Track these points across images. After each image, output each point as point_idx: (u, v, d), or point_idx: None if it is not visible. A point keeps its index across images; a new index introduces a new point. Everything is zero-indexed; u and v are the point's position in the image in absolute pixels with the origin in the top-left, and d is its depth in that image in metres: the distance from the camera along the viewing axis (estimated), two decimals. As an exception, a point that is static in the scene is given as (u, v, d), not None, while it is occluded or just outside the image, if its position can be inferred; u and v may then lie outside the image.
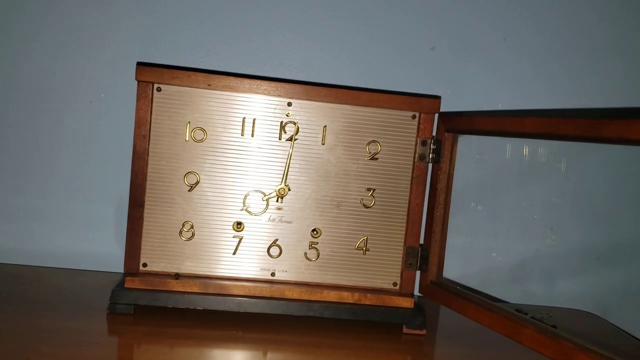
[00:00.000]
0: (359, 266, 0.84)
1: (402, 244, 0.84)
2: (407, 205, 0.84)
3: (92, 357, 0.66)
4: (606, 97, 1.05)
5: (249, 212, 0.82)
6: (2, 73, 0.95)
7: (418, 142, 0.83)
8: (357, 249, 0.84)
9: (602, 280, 1.05)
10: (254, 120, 0.81)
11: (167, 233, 0.81)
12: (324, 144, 0.82)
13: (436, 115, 0.84)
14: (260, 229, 0.82)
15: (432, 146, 0.84)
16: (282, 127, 0.81)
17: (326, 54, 1.00)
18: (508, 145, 0.98)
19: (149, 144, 0.79)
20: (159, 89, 0.79)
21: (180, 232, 0.81)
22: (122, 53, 0.96)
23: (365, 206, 0.83)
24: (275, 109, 0.81)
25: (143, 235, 0.80)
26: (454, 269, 0.93)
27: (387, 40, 1.00)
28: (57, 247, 0.98)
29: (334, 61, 1.00)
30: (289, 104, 0.81)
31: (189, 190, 0.81)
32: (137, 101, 0.79)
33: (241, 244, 0.82)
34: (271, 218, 0.82)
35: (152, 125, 0.79)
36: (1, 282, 0.87)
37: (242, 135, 0.81)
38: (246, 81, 0.80)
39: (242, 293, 0.79)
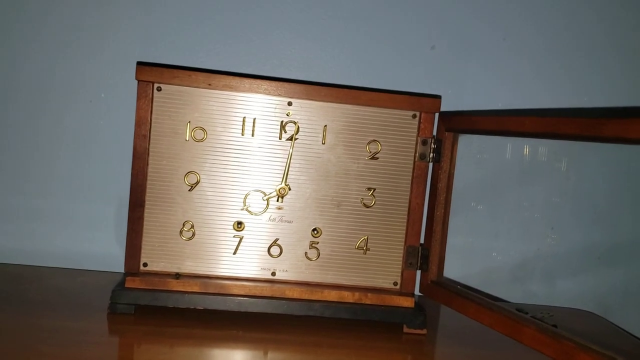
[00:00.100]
0: (359, 266, 0.84)
1: (403, 243, 0.84)
2: (407, 205, 0.84)
3: (92, 357, 0.66)
4: (606, 97, 1.05)
5: (249, 211, 0.82)
6: (2, 73, 0.95)
7: (418, 141, 0.83)
8: (357, 248, 0.84)
9: (603, 280, 1.05)
10: (255, 119, 0.81)
11: (167, 233, 0.81)
12: (324, 144, 0.82)
13: (436, 115, 0.84)
14: (261, 229, 0.82)
15: (432, 146, 0.84)
16: (283, 126, 0.81)
17: (326, 54, 1.00)
18: (508, 145, 0.98)
19: (149, 144, 0.79)
20: (159, 89, 0.79)
21: (181, 232, 0.81)
22: (122, 53, 0.96)
23: (365, 206, 0.83)
24: (275, 108, 0.81)
25: (143, 235, 0.80)
26: (454, 269, 0.93)
27: (387, 40, 1.00)
28: (57, 247, 0.97)
29: (334, 61, 1.00)
30: (290, 104, 0.81)
31: (189, 190, 0.81)
32: (137, 101, 0.79)
33: (241, 243, 0.82)
34: (271, 218, 0.82)
35: (152, 125, 0.79)
36: (1, 282, 0.87)
37: (242, 134, 0.81)
38: (247, 81, 0.80)
39: (242, 293, 0.79)
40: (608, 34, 1.04)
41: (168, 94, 0.79)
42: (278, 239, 0.82)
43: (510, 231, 1.03)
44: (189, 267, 0.81)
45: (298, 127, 0.81)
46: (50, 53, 0.95)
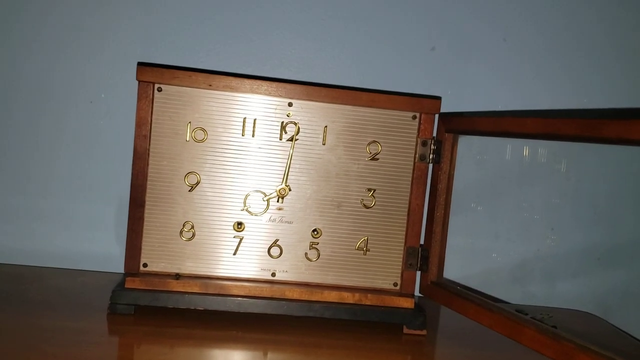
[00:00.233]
0: (359, 266, 0.84)
1: (403, 244, 0.84)
2: (407, 206, 0.84)
3: (92, 357, 0.66)
4: (606, 97, 1.05)
5: (249, 212, 0.82)
6: (2, 73, 0.95)
7: (418, 142, 0.83)
8: (357, 249, 0.84)
9: (603, 281, 1.05)
10: (255, 120, 0.81)
11: (167, 233, 0.81)
12: (324, 144, 0.82)
13: (436, 116, 0.84)
14: (261, 229, 0.82)
15: (432, 147, 0.84)
16: (283, 127, 0.81)
17: (326, 54, 1.00)
18: (508, 146, 0.98)
19: (149, 144, 0.79)
20: (159, 89, 0.79)
21: (181, 232, 0.81)
22: (122, 53, 0.96)
23: (365, 206, 0.83)
24: (275, 109, 0.81)
25: (143, 235, 0.80)
26: (454, 270, 0.93)
27: (387, 40, 1.00)
28: (57, 247, 0.97)
29: (334, 61, 1.00)
30: (290, 104, 0.81)
31: (189, 191, 0.81)
32: (137, 101, 0.79)
33: (242, 244, 0.82)
34: (272, 218, 0.82)
35: (152, 125, 0.79)
36: (1, 282, 0.87)
37: (242, 135, 0.81)
38: (247, 81, 0.80)
39: (242, 293, 0.79)
40: (608, 34, 1.04)
41: (168, 95, 0.79)
42: (278, 240, 0.82)
43: (510, 232, 1.03)
44: (189, 267, 0.81)
45: (298, 128, 0.81)
46: (50, 53, 0.95)
